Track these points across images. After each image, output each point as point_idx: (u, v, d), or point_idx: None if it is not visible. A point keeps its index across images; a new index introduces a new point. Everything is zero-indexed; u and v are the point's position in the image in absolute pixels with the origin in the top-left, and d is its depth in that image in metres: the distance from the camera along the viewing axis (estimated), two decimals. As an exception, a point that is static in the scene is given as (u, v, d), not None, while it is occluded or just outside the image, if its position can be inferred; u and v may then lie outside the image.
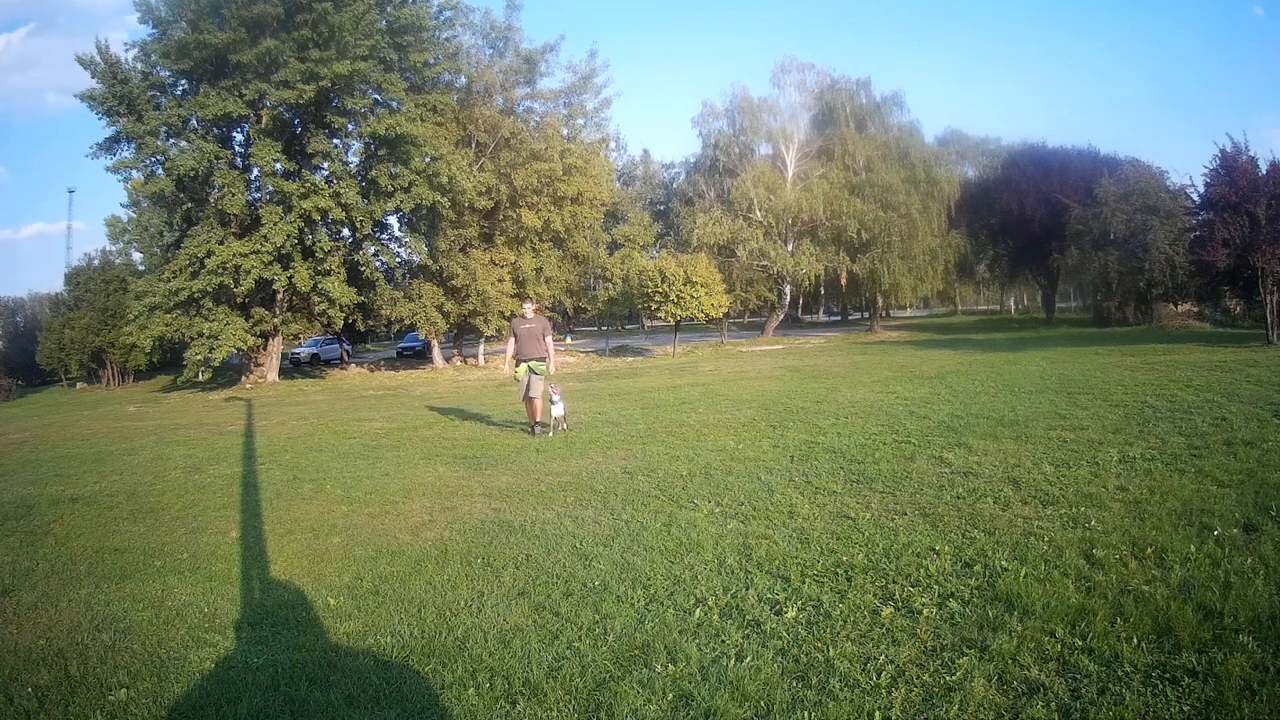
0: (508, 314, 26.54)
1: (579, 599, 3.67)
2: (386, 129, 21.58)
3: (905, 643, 2.98)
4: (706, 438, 8.04)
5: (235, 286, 21.74)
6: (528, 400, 9.21)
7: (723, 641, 3.12)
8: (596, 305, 36.02)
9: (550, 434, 8.76)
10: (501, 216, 27.07)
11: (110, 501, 6.67)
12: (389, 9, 22.56)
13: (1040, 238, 30.71)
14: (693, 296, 26.86)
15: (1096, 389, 9.64)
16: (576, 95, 29.47)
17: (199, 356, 22.15)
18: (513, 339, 9.41)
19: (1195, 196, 18.71)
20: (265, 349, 24.54)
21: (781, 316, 37.42)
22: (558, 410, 8.94)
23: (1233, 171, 16.34)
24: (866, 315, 46.32)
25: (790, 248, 34.11)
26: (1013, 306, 54.06)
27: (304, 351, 35.07)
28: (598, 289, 36.11)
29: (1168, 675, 2.59)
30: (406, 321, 27.00)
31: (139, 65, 21.89)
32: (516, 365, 9.32)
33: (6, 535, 5.66)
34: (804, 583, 3.67)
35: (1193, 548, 3.66)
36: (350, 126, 22.97)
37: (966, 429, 7.41)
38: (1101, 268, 26.89)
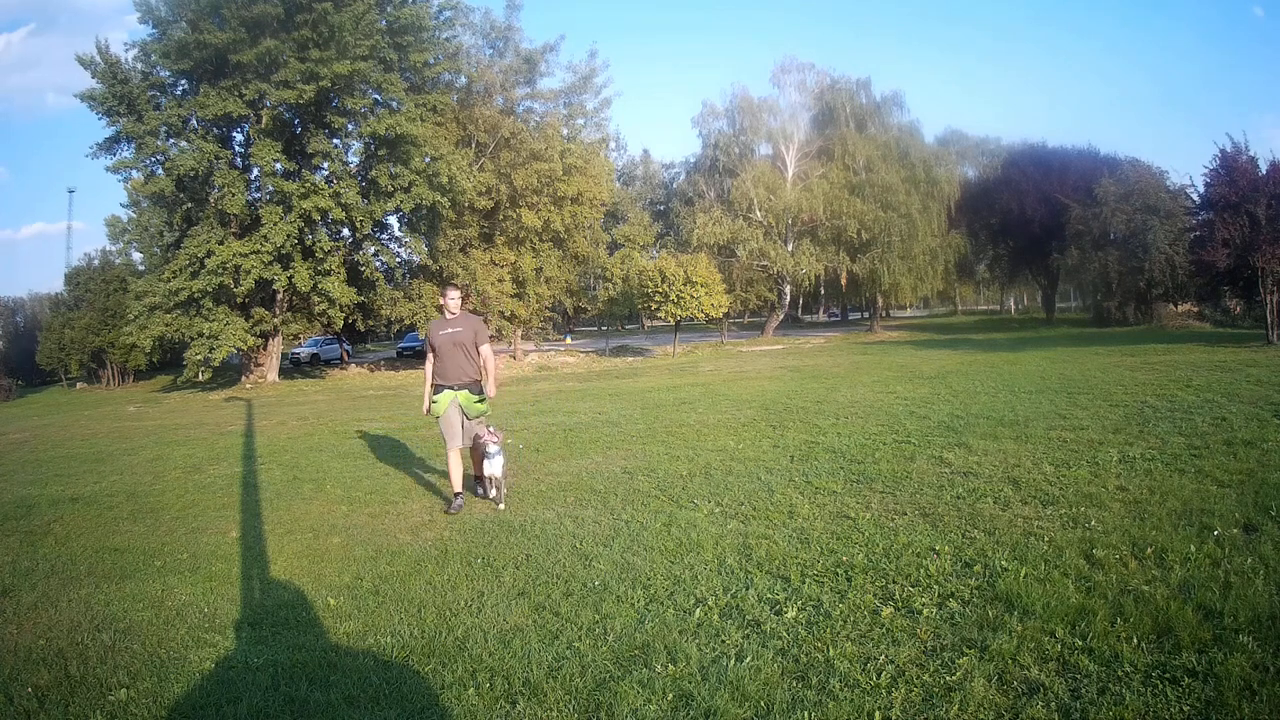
0: (508, 314, 26.48)
1: (579, 599, 3.67)
2: (386, 129, 21.57)
3: (905, 643, 2.98)
4: (706, 438, 8.03)
5: (235, 286, 21.73)
6: (454, 451, 5.77)
7: (723, 641, 3.12)
8: (596, 305, 36.02)
9: (498, 503, 5.61)
10: (501, 216, 27.06)
11: (110, 501, 6.67)
12: (389, 9, 22.54)
13: (1040, 238, 30.72)
14: (693, 296, 26.87)
15: (1096, 389, 9.64)
16: (576, 95, 29.45)
17: (199, 356, 22.14)
18: (429, 353, 5.88)
19: (1195, 196, 18.71)
20: (265, 349, 24.53)
21: (781, 316, 37.43)
22: (494, 467, 5.53)
23: (1233, 171, 16.34)
24: (866, 315, 46.34)
25: (790, 248, 34.12)
26: (1013, 306, 54.08)
27: (304, 351, 35.04)
28: (598, 289, 36.11)
29: (1168, 675, 2.59)
30: (406, 321, 26.99)
31: (139, 65, 21.88)
32: (436, 394, 5.79)
33: (6, 535, 5.67)
34: (804, 583, 3.67)
35: (1193, 548, 3.66)
36: (350, 126, 22.95)
37: (966, 429, 7.41)
38: (1101, 268, 26.90)
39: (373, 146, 23.10)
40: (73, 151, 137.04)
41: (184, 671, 3.18)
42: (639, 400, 12.45)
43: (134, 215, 25.54)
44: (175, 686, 3.05)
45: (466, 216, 25.97)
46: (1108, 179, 27.05)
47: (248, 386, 23.48)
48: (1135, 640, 2.83)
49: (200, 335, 21.72)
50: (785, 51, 71.78)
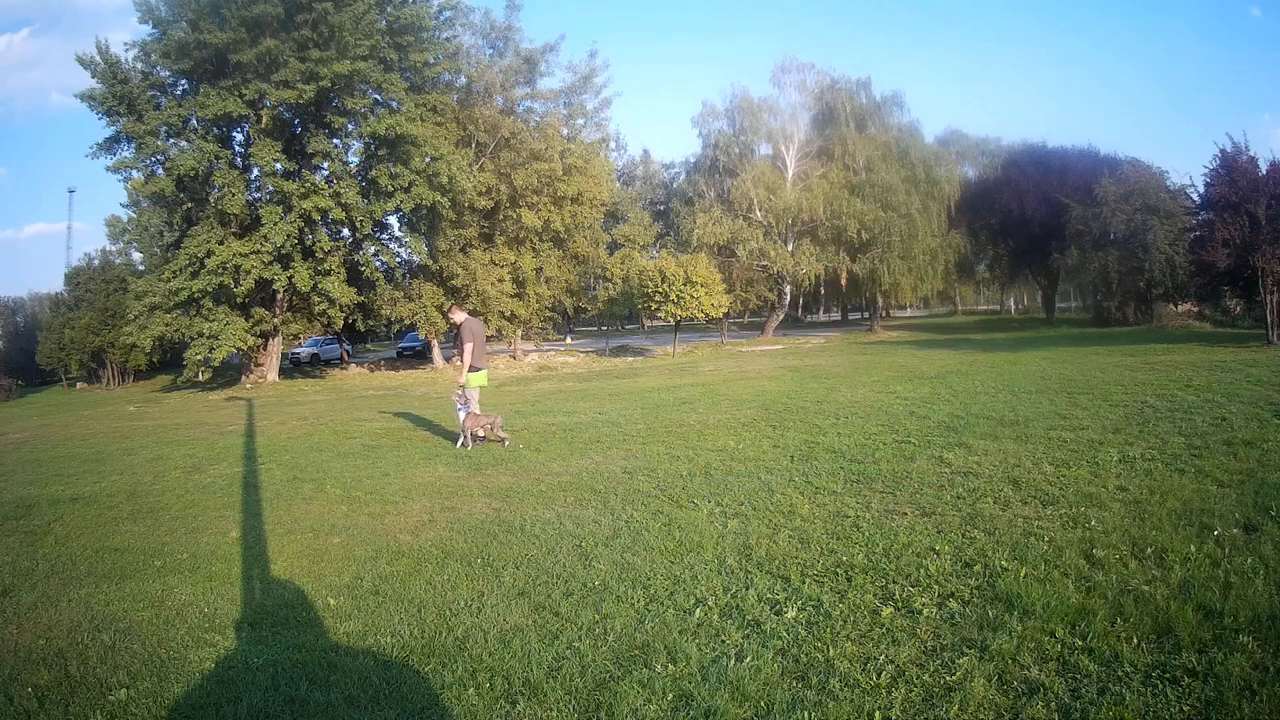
0: (508, 314, 26.51)
1: (579, 599, 3.67)
2: (386, 129, 21.56)
3: (905, 643, 2.98)
4: (706, 438, 8.03)
5: (235, 286, 21.72)
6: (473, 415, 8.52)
7: (723, 641, 3.12)
8: (596, 305, 36.02)
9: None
10: (501, 216, 27.05)
11: (110, 501, 6.66)
12: (389, 9, 22.53)
13: (1040, 238, 30.71)
14: (693, 296, 26.87)
15: (1096, 389, 9.64)
16: (576, 95, 29.46)
17: (199, 356, 22.13)
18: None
19: (1195, 196, 18.71)
20: (265, 349, 24.53)
21: (781, 316, 37.41)
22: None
23: (1233, 171, 16.34)
24: (866, 315, 46.31)
25: (790, 248, 34.11)
26: (1013, 306, 54.02)
27: (304, 351, 35.04)
28: (598, 289, 36.11)
29: (1168, 675, 2.59)
30: (406, 321, 26.98)
31: (139, 65, 21.88)
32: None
33: (6, 535, 5.66)
34: (804, 583, 3.67)
35: (1193, 548, 3.66)
36: (350, 126, 22.94)
37: (966, 429, 7.41)
38: (1101, 268, 26.89)
39: (373, 146, 23.08)
40: (73, 151, 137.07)
41: (184, 671, 3.18)
42: (639, 400, 12.45)
43: (134, 215, 25.55)
44: (175, 686, 3.05)
45: (466, 216, 25.96)
46: (1108, 179, 27.04)
47: (248, 386, 23.48)
48: (1135, 640, 2.83)
49: (200, 335, 21.71)
50: (785, 51, 71.63)
